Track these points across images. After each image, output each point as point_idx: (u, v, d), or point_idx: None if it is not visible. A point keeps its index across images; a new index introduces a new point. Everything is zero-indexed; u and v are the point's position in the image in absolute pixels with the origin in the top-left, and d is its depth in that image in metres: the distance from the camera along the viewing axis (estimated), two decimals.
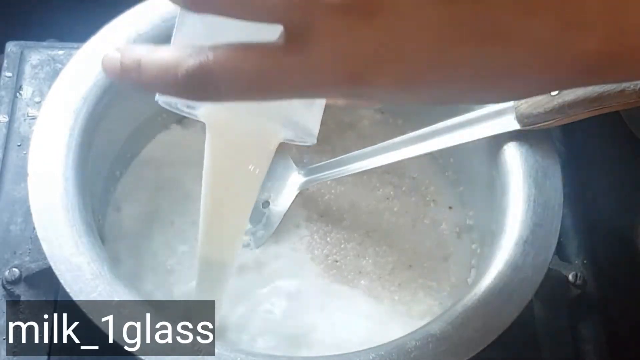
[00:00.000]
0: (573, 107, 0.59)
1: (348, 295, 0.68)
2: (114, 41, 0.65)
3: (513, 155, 0.63)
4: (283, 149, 0.73)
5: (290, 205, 0.70)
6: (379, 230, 0.71)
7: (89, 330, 0.54)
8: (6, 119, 0.74)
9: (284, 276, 0.68)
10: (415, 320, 0.66)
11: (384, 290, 0.68)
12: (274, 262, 0.69)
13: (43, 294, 0.65)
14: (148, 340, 0.54)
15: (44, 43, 0.79)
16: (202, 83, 0.38)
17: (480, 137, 0.63)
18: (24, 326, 0.64)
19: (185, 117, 0.75)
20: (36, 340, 0.64)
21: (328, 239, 0.71)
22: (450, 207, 0.73)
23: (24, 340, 0.64)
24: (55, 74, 0.73)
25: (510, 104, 0.62)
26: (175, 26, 0.45)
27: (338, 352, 0.56)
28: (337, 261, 0.69)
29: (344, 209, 0.72)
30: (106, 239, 0.68)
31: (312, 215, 0.72)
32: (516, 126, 0.62)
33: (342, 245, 0.70)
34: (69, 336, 0.65)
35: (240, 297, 0.66)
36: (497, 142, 0.64)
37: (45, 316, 0.65)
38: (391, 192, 0.73)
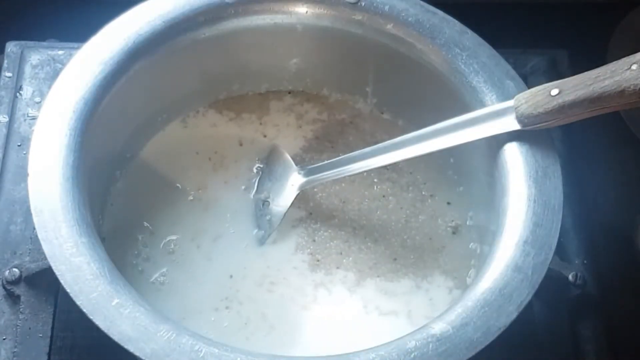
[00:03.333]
0: (573, 107, 0.59)
1: (329, 289, 0.68)
2: (114, 41, 0.65)
3: (513, 155, 0.63)
4: (283, 149, 0.73)
5: (290, 206, 0.70)
6: (367, 228, 0.71)
7: (89, 330, 0.54)
8: (6, 119, 0.74)
9: (269, 273, 0.69)
10: (396, 311, 0.67)
11: (362, 282, 0.69)
12: (259, 260, 0.69)
13: (43, 294, 0.65)
14: (148, 340, 0.54)
15: (44, 43, 0.79)
16: None
17: (480, 137, 0.63)
18: (24, 326, 0.65)
19: (185, 117, 0.75)
20: (36, 340, 0.64)
21: (315, 237, 0.71)
22: (448, 203, 0.73)
23: (24, 340, 0.64)
24: (55, 74, 0.74)
25: (510, 103, 0.62)
26: None
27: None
28: (318, 260, 0.70)
29: (335, 206, 0.72)
30: (106, 239, 0.68)
31: (301, 214, 0.72)
32: (516, 126, 0.62)
33: (327, 244, 0.70)
34: (69, 336, 0.65)
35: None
36: (497, 142, 0.64)
37: (45, 316, 0.65)
38: (388, 189, 0.73)
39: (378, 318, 0.67)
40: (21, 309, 0.65)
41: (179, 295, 0.67)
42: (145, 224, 0.70)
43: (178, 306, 0.66)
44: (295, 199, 0.70)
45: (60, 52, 0.78)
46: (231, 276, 0.68)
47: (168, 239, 0.69)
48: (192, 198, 0.72)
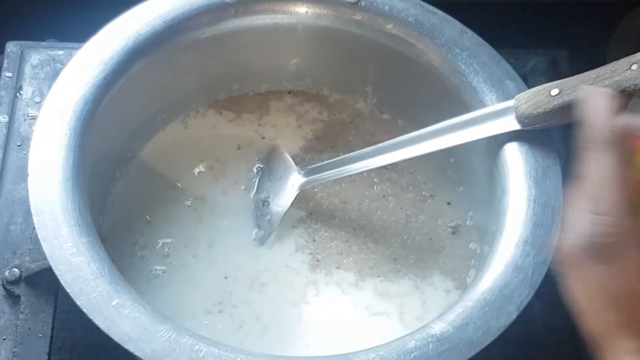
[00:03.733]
0: (573, 107, 0.59)
1: (326, 290, 0.68)
2: (114, 41, 0.65)
3: (513, 155, 0.63)
4: (283, 149, 0.73)
5: (290, 206, 0.70)
6: (367, 228, 0.71)
7: (89, 330, 0.54)
8: (6, 119, 0.74)
9: (268, 273, 0.69)
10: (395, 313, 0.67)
11: (362, 283, 0.69)
12: (259, 260, 0.69)
13: (43, 294, 0.65)
14: (148, 340, 0.54)
15: (44, 43, 0.79)
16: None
17: (480, 137, 0.63)
18: (24, 326, 0.65)
19: (185, 117, 0.75)
20: (36, 340, 0.64)
21: (316, 237, 0.71)
22: (448, 203, 0.73)
23: (24, 340, 0.64)
24: (55, 74, 0.74)
25: (510, 103, 0.62)
26: None
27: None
28: (319, 260, 0.70)
29: (335, 206, 0.72)
30: (106, 239, 0.68)
31: (302, 214, 0.72)
32: (516, 126, 0.62)
33: (328, 244, 0.70)
34: (69, 336, 0.65)
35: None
36: (497, 142, 0.64)
37: (45, 316, 0.65)
38: (388, 189, 0.73)
39: (372, 318, 0.67)
40: (21, 309, 0.65)
41: (176, 295, 0.67)
42: (147, 216, 0.70)
43: (175, 307, 0.66)
44: (295, 199, 0.70)
45: (60, 52, 0.78)
46: (226, 277, 0.68)
47: (164, 241, 0.69)
48: (191, 200, 0.72)
